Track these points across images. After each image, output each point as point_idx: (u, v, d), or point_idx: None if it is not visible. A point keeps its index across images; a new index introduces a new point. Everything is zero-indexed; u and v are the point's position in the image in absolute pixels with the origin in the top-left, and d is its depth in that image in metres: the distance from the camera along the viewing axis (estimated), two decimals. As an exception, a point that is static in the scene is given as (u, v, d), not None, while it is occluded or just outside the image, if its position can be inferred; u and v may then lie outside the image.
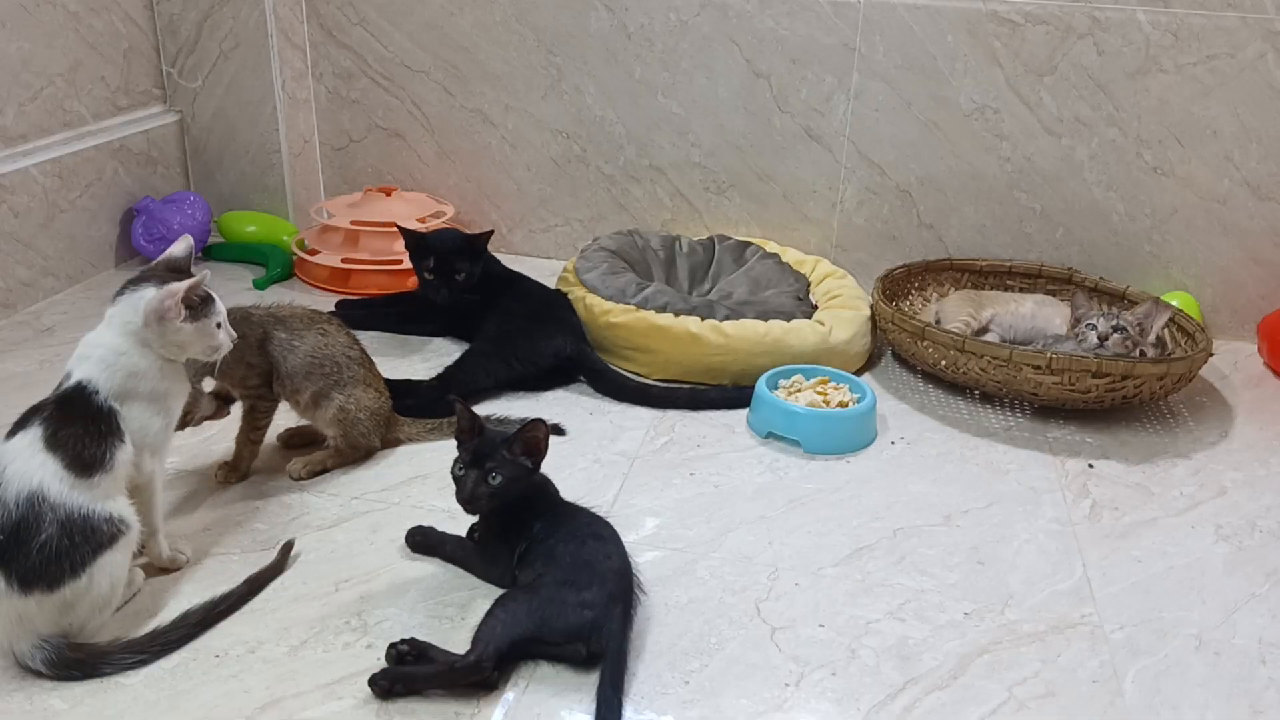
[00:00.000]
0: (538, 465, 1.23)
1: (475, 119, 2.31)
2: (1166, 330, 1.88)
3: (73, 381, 1.14)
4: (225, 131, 2.32)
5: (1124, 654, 1.20)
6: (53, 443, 1.10)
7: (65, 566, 1.08)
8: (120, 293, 1.18)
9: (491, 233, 1.87)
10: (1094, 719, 1.10)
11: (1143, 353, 1.77)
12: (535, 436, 1.21)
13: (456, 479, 1.20)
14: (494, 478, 1.18)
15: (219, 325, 1.22)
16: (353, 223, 2.15)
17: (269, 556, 1.29)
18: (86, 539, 1.09)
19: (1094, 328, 1.75)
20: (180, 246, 1.24)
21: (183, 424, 1.33)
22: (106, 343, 1.16)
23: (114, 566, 1.12)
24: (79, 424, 1.12)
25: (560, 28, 2.20)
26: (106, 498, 1.12)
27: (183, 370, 1.23)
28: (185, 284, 1.16)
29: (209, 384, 1.44)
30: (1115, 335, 1.73)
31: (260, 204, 2.35)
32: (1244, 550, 1.41)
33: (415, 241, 1.84)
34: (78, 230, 2.08)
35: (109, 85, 2.17)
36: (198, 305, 1.18)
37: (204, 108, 2.31)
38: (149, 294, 1.15)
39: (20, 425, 1.12)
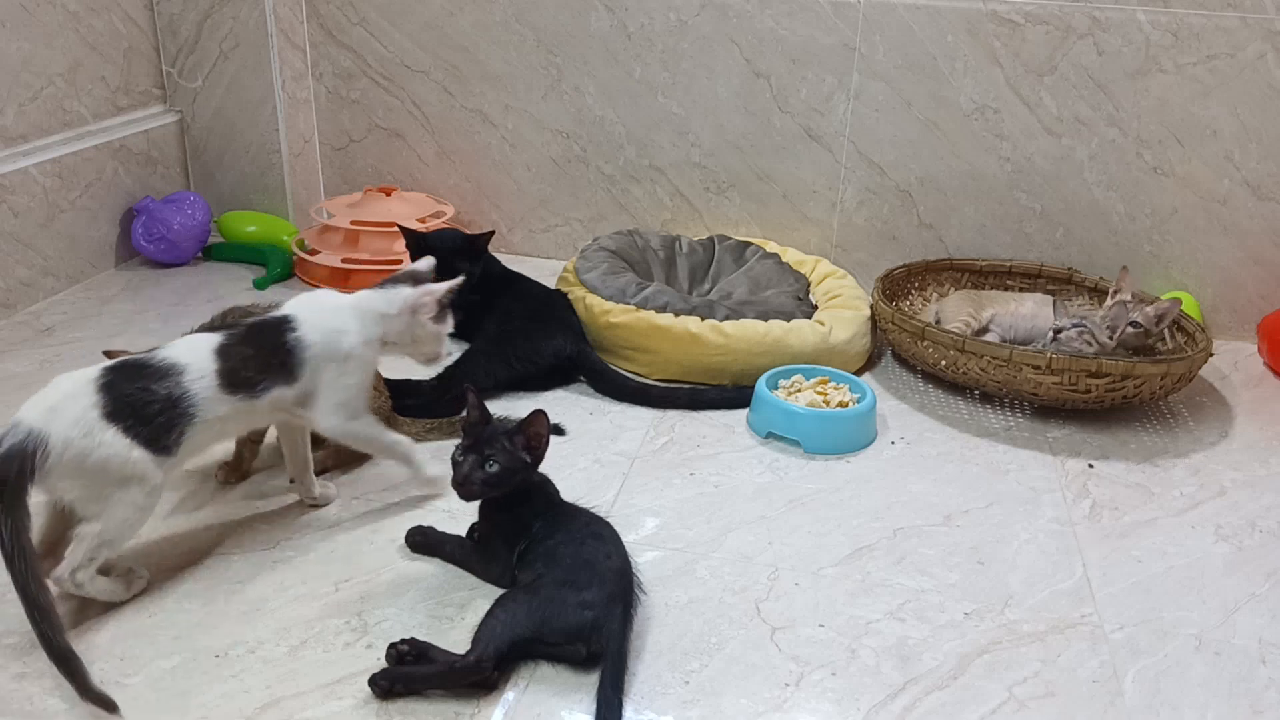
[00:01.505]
0: (537, 460, 1.23)
1: (475, 119, 2.31)
2: (1167, 330, 1.89)
3: (280, 313, 1.27)
4: (225, 131, 2.32)
5: (1124, 654, 1.20)
6: (223, 351, 1.20)
7: (136, 434, 1.13)
8: (377, 288, 1.33)
9: (492, 233, 1.87)
10: (1094, 719, 1.10)
11: (1152, 348, 1.79)
12: (538, 431, 1.21)
13: (454, 464, 1.20)
14: (490, 465, 1.18)
15: (446, 335, 1.35)
16: (353, 223, 2.15)
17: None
18: (169, 427, 1.15)
19: (1057, 326, 1.77)
20: (424, 264, 1.38)
21: None
22: (344, 303, 1.30)
23: (139, 497, 1.14)
24: (256, 346, 1.22)
25: (560, 28, 2.20)
26: (220, 429, 1.22)
27: (376, 359, 1.33)
28: (445, 286, 1.32)
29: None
30: (1070, 331, 1.74)
31: (260, 204, 2.35)
32: (1244, 550, 1.41)
33: (416, 242, 1.84)
34: (78, 230, 2.08)
35: (109, 85, 2.17)
36: (442, 310, 1.32)
37: (204, 108, 2.31)
38: (406, 291, 1.30)
39: (208, 327, 1.26)
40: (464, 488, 1.19)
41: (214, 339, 1.21)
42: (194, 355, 1.19)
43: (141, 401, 1.14)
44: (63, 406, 1.12)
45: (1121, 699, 1.13)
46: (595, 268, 1.95)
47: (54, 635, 1.05)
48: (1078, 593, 1.31)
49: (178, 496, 1.41)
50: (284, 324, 1.25)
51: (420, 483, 1.42)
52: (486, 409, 1.23)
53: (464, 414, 1.26)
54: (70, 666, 1.04)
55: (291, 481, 1.44)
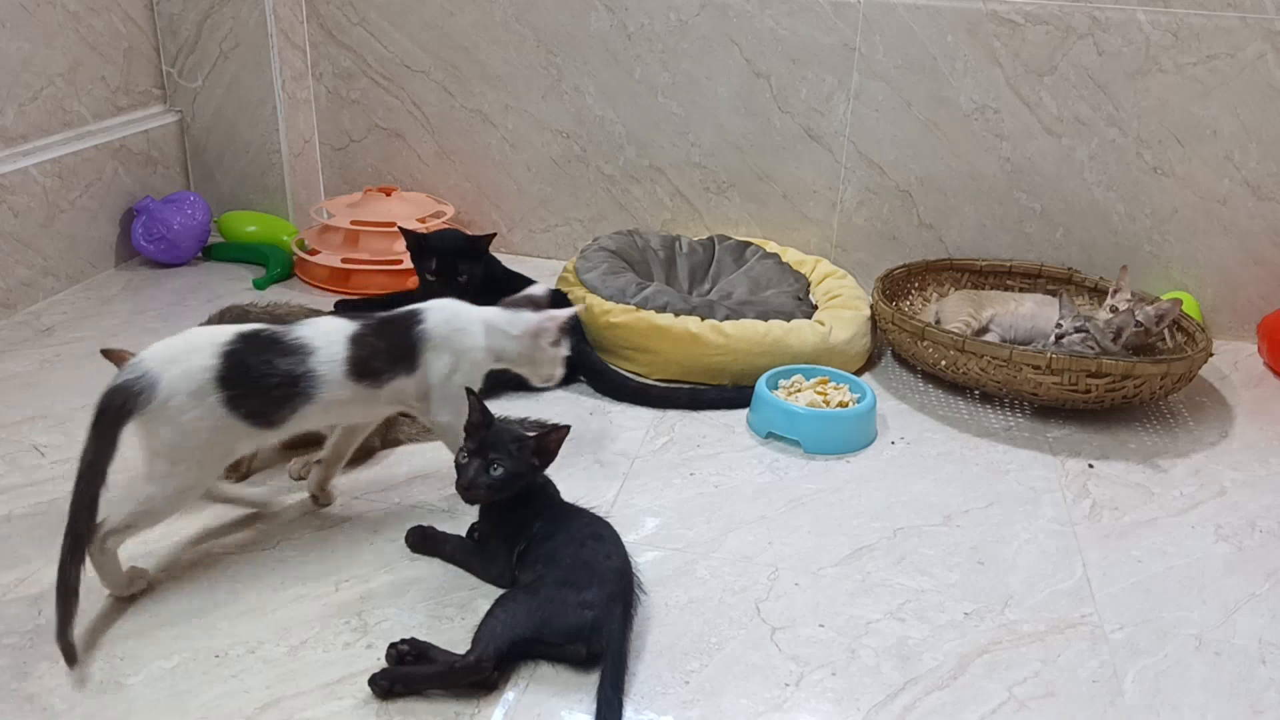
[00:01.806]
0: (544, 466, 1.24)
1: (475, 119, 2.31)
2: (1167, 330, 1.89)
3: (413, 308, 1.31)
4: (225, 131, 2.32)
5: (1124, 654, 1.20)
6: (357, 340, 1.24)
7: (239, 404, 1.16)
8: (502, 308, 1.38)
9: (494, 235, 1.86)
10: (1094, 719, 1.10)
11: (1152, 347, 1.79)
12: (554, 440, 1.22)
13: (459, 466, 1.20)
14: (495, 469, 1.18)
15: (564, 357, 1.40)
16: (353, 223, 2.15)
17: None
18: (282, 401, 1.19)
19: (1059, 326, 1.77)
20: (540, 289, 1.42)
21: None
22: (474, 313, 1.34)
23: (207, 463, 1.20)
24: (387, 340, 1.27)
25: (560, 28, 2.20)
26: (334, 413, 1.27)
27: (486, 369, 1.36)
28: (567, 313, 1.37)
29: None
30: (1075, 335, 1.75)
31: (260, 204, 2.35)
32: (1244, 550, 1.41)
33: (417, 243, 1.84)
34: (78, 230, 2.08)
35: (109, 85, 2.17)
36: (562, 335, 1.38)
37: (204, 108, 2.31)
38: (529, 315, 1.35)
39: (345, 313, 1.32)
40: (469, 491, 1.20)
41: (351, 326, 1.26)
42: (328, 339, 1.23)
43: (261, 374, 1.18)
44: (182, 359, 1.16)
45: (1121, 699, 1.13)
46: (595, 268, 1.95)
47: (71, 567, 1.09)
48: (1078, 593, 1.31)
49: (178, 496, 1.42)
50: (414, 317, 1.30)
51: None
52: (487, 410, 1.23)
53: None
54: (66, 603, 1.09)
55: (298, 479, 1.44)
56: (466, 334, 1.32)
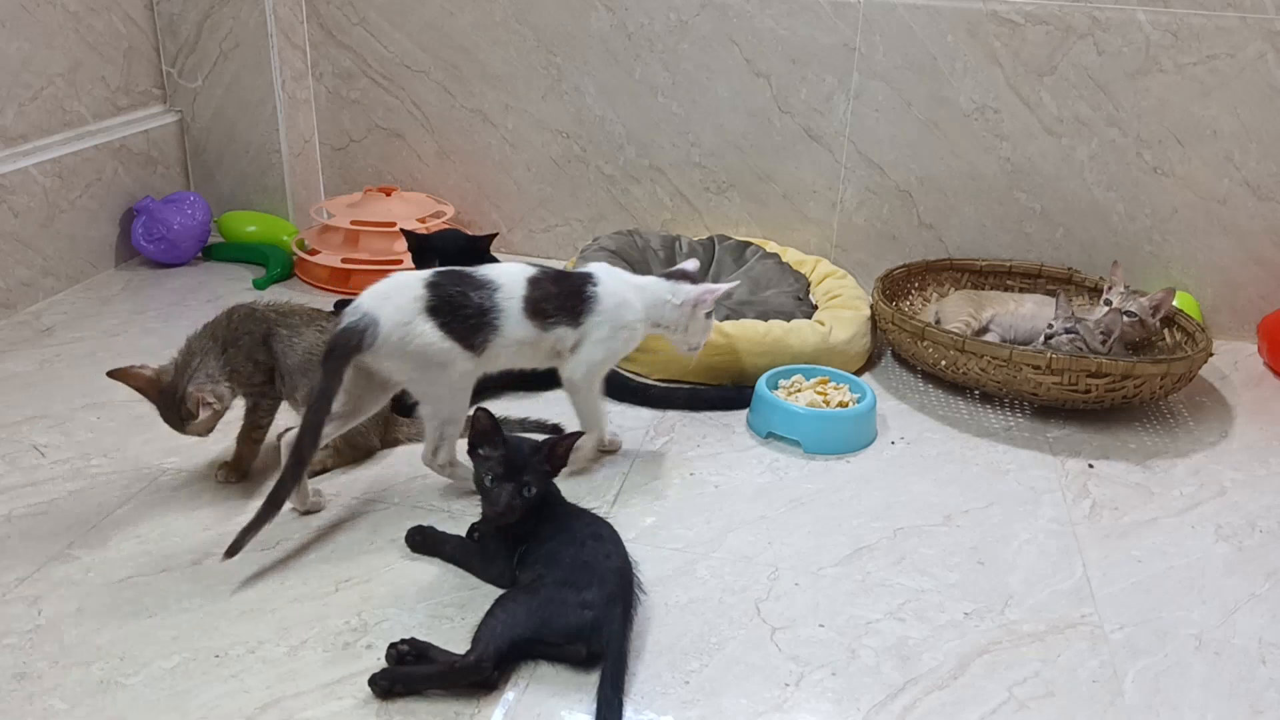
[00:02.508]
0: (555, 474, 1.25)
1: (475, 119, 2.31)
2: (1167, 330, 1.89)
3: (586, 269, 1.45)
4: (225, 131, 2.32)
5: (1124, 654, 1.20)
6: (532, 283, 1.37)
7: (450, 329, 1.30)
8: (663, 279, 1.49)
9: (496, 235, 1.86)
10: (1094, 719, 1.10)
11: (1151, 344, 1.79)
12: (564, 448, 1.23)
13: (486, 490, 1.20)
14: (529, 491, 1.19)
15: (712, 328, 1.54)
16: (353, 223, 2.15)
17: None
18: (476, 329, 1.32)
19: (1050, 327, 1.78)
20: (691, 264, 1.53)
21: (208, 429, 1.39)
22: (636, 283, 1.46)
23: (454, 378, 1.33)
24: (560, 289, 1.39)
25: (560, 28, 2.20)
26: (513, 352, 1.37)
27: (641, 338, 1.48)
28: (724, 288, 1.49)
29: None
30: (1064, 336, 1.75)
31: (260, 204, 2.35)
32: (1244, 550, 1.41)
33: (419, 244, 1.84)
34: (78, 230, 2.08)
35: (109, 85, 2.17)
36: (715, 307, 1.49)
37: (204, 108, 2.31)
38: (689, 286, 1.46)
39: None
40: (507, 516, 1.20)
41: (529, 269, 1.39)
42: (509, 278, 1.36)
43: (458, 303, 1.31)
44: (394, 295, 1.30)
45: (1121, 699, 1.13)
46: (595, 268, 1.94)
47: (288, 484, 1.25)
48: (1078, 593, 1.31)
49: (178, 496, 1.42)
50: (588, 279, 1.42)
51: (589, 451, 1.54)
52: (496, 420, 1.22)
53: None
54: (267, 513, 1.24)
55: (311, 475, 1.45)
56: (628, 308, 1.43)
